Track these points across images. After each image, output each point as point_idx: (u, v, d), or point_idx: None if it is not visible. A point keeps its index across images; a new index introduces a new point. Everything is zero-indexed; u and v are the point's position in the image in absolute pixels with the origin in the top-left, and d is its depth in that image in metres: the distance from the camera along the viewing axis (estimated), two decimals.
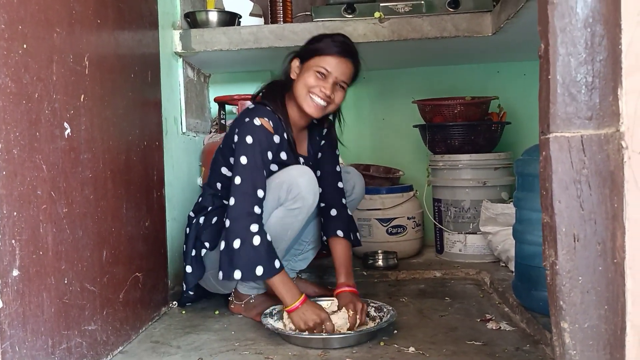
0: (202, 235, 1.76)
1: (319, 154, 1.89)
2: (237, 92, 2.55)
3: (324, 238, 1.84)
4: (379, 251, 2.36)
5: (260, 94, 1.79)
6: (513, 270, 1.97)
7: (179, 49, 2.21)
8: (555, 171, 0.72)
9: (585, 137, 0.71)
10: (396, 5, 2.15)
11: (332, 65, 1.65)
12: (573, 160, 0.72)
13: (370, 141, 2.88)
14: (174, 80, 2.27)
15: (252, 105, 1.74)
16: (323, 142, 1.89)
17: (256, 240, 1.54)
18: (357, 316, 1.60)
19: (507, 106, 2.60)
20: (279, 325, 1.61)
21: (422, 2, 2.15)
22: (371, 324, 1.62)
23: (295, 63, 1.74)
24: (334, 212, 1.84)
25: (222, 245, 1.58)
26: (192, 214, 1.87)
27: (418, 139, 2.63)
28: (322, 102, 1.67)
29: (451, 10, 2.13)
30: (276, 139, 1.67)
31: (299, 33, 2.15)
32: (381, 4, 2.16)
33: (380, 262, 2.33)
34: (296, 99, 1.71)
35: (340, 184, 1.88)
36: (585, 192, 0.72)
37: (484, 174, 2.39)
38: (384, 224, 2.47)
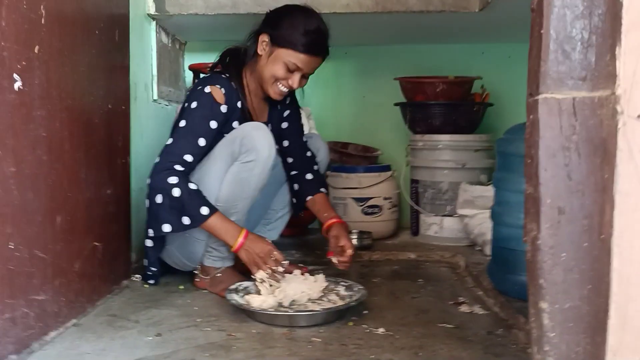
0: None
1: (285, 124, 1.90)
2: (213, 61, 2.43)
3: (308, 197, 1.86)
4: (354, 231, 2.30)
5: (220, 64, 1.78)
6: (488, 254, 1.93)
7: (152, 10, 2.10)
8: (543, 137, 0.66)
9: (577, 99, 0.64)
10: None
11: (304, 62, 1.66)
12: (563, 125, 0.65)
13: (350, 119, 2.81)
14: (146, 44, 2.16)
15: (209, 74, 1.73)
16: (287, 112, 1.90)
17: (176, 192, 1.54)
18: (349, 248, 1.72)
19: (490, 88, 2.54)
20: (244, 301, 1.54)
21: None
22: (340, 303, 1.56)
23: (264, 38, 1.69)
24: (309, 176, 1.88)
25: (147, 203, 1.60)
26: None
27: (398, 118, 2.56)
28: (287, 90, 1.72)
29: None
30: (223, 108, 1.65)
31: (279, 0, 2.05)
32: None
33: (354, 242, 2.26)
34: (260, 78, 1.71)
35: (308, 153, 1.92)
36: (574, 161, 0.65)
37: (463, 155, 2.34)
38: (360, 204, 2.41)
